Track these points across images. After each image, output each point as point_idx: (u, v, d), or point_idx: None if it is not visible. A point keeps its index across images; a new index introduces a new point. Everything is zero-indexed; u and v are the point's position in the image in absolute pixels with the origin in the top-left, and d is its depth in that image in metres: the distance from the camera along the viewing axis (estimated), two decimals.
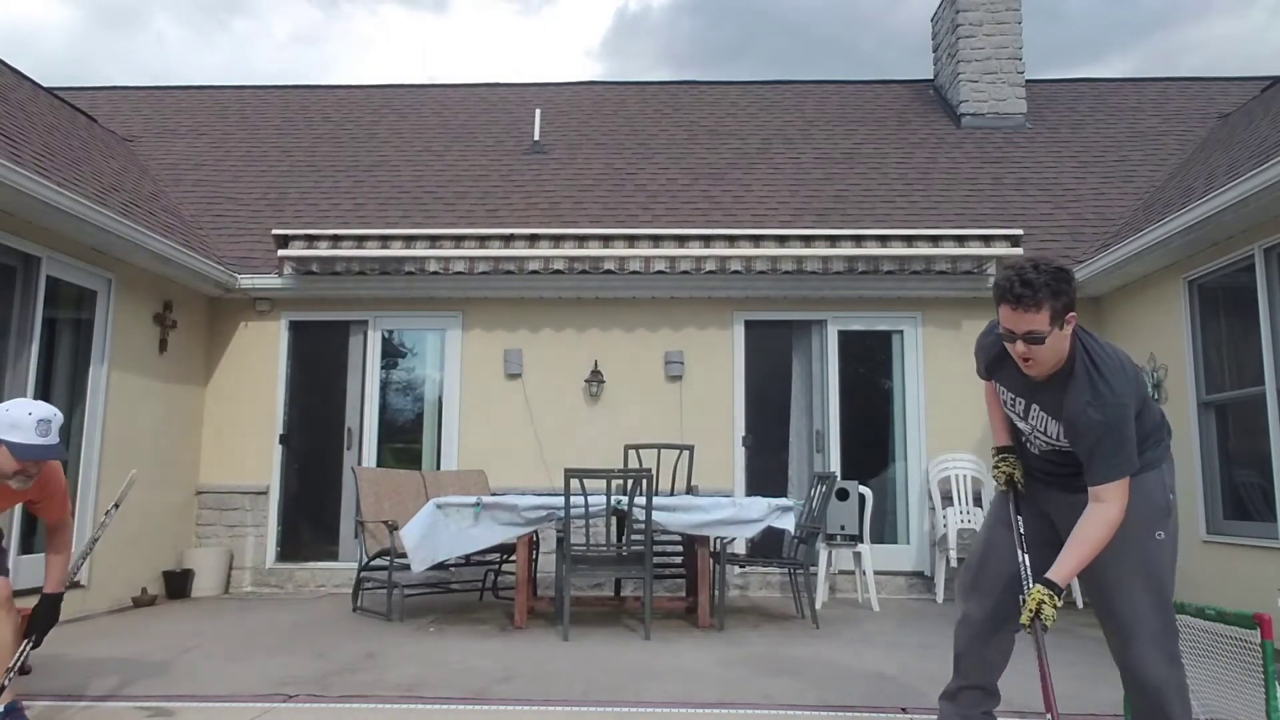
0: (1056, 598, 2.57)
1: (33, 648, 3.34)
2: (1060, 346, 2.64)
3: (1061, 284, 2.58)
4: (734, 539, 6.55)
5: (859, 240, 7.57)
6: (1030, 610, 2.57)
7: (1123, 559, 2.66)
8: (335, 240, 7.63)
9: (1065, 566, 2.59)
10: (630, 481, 5.65)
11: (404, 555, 5.80)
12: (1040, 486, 2.93)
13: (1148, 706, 2.73)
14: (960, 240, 7.54)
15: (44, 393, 6.14)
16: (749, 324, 8.07)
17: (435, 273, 7.60)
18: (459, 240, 7.65)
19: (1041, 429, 2.79)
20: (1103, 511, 2.57)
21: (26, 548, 5.90)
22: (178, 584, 7.31)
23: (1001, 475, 2.99)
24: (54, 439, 3.19)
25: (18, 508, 5.75)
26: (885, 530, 7.84)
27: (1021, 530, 2.86)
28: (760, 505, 5.96)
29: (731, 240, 7.62)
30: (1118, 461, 2.57)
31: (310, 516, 8.07)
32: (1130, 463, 2.58)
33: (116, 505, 3.72)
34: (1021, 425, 2.88)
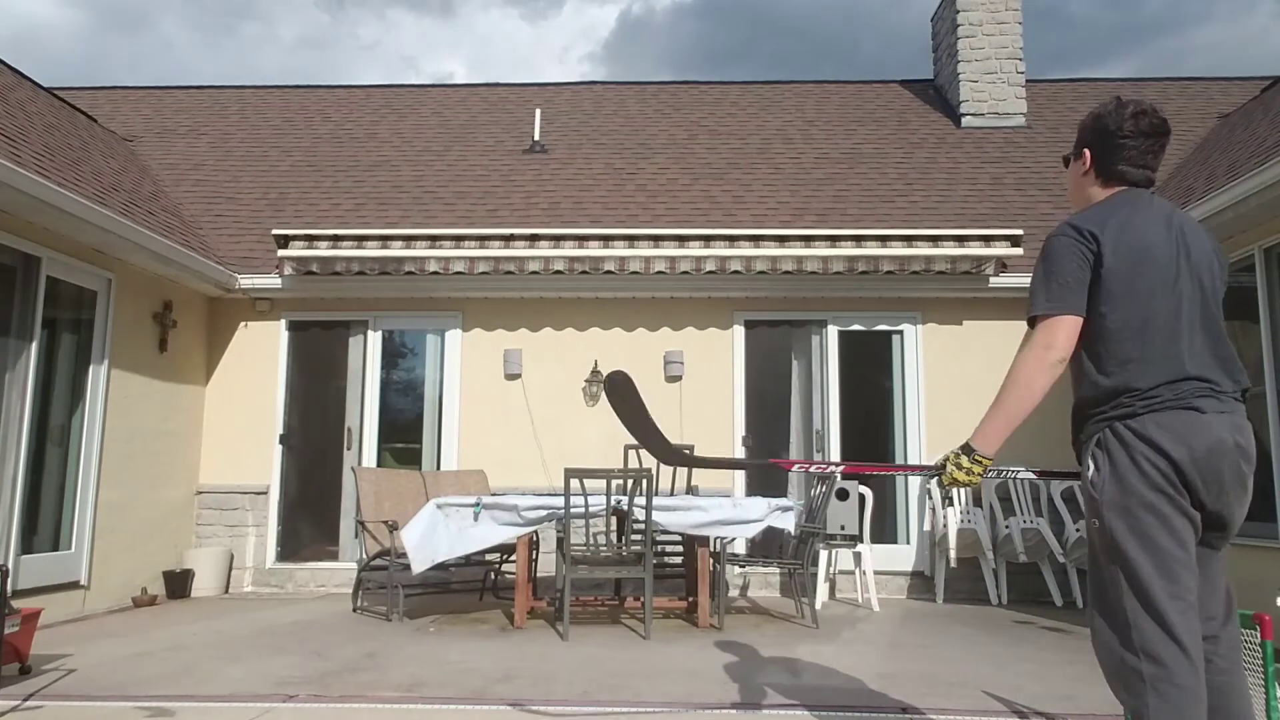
0: (964, 458, 2.37)
1: None
2: (1077, 186, 2.51)
3: (1081, 126, 2.50)
4: (734, 539, 6.55)
5: (859, 240, 7.57)
6: (937, 465, 2.45)
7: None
8: (335, 240, 7.63)
9: (983, 424, 2.40)
10: (630, 481, 5.64)
11: (404, 555, 5.80)
12: None
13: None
14: (960, 240, 7.54)
15: (44, 393, 6.15)
16: (749, 324, 8.07)
17: (435, 273, 7.59)
18: (459, 240, 7.65)
19: None
20: (1020, 350, 2.35)
21: (27, 547, 5.90)
22: (178, 584, 7.31)
23: None
24: None
25: (17, 508, 5.75)
26: (885, 530, 7.84)
27: None
28: (760, 505, 5.96)
29: (731, 240, 7.62)
30: (1032, 297, 2.34)
31: (310, 516, 8.07)
32: (1037, 302, 2.31)
33: None
34: None
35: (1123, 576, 2.18)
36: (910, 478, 7.85)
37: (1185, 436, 2.17)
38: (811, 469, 2.97)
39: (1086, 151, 2.46)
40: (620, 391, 2.89)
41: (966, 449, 2.39)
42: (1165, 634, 2.11)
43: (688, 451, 7.09)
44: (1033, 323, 2.33)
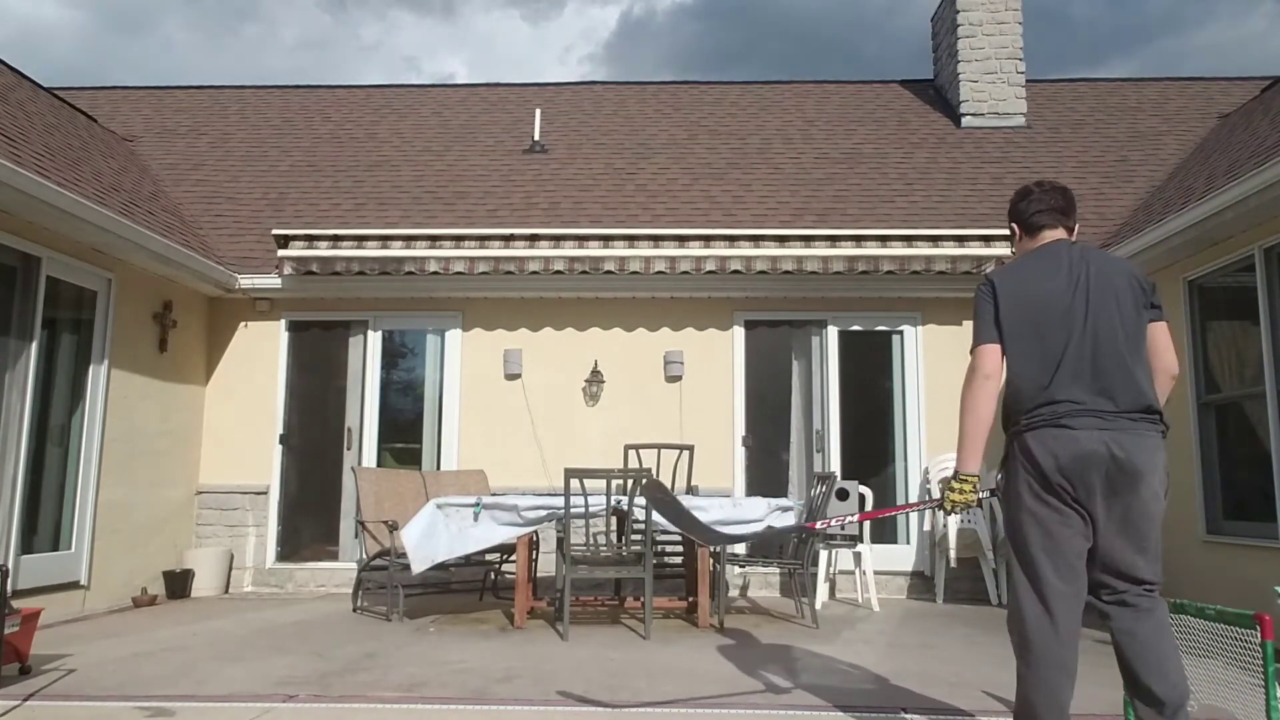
0: (953, 482, 2.87)
1: None
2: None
3: (1011, 204, 3.12)
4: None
5: (859, 240, 7.57)
6: (937, 498, 3.00)
7: None
8: (335, 240, 7.63)
9: (957, 451, 2.90)
10: (630, 481, 5.64)
11: (404, 555, 5.80)
12: None
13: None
14: (960, 240, 7.54)
15: (44, 393, 6.15)
16: (749, 324, 8.07)
17: (435, 273, 7.59)
18: (459, 240, 7.65)
19: None
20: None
21: (27, 547, 5.91)
22: (178, 584, 7.31)
23: None
24: None
25: (17, 508, 5.75)
26: (885, 530, 7.84)
27: None
28: (760, 505, 5.96)
29: (731, 240, 7.62)
30: (973, 336, 2.92)
31: (310, 516, 8.07)
32: (975, 335, 2.89)
33: None
34: None
35: (1017, 565, 2.80)
36: (910, 478, 7.85)
37: (1053, 448, 2.68)
38: (833, 524, 3.48)
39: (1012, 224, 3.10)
40: (655, 493, 3.55)
41: (954, 474, 2.88)
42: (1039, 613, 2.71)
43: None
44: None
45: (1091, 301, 2.75)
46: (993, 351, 2.81)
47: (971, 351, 2.87)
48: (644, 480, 3.46)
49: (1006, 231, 7.44)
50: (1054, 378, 2.70)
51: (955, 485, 2.85)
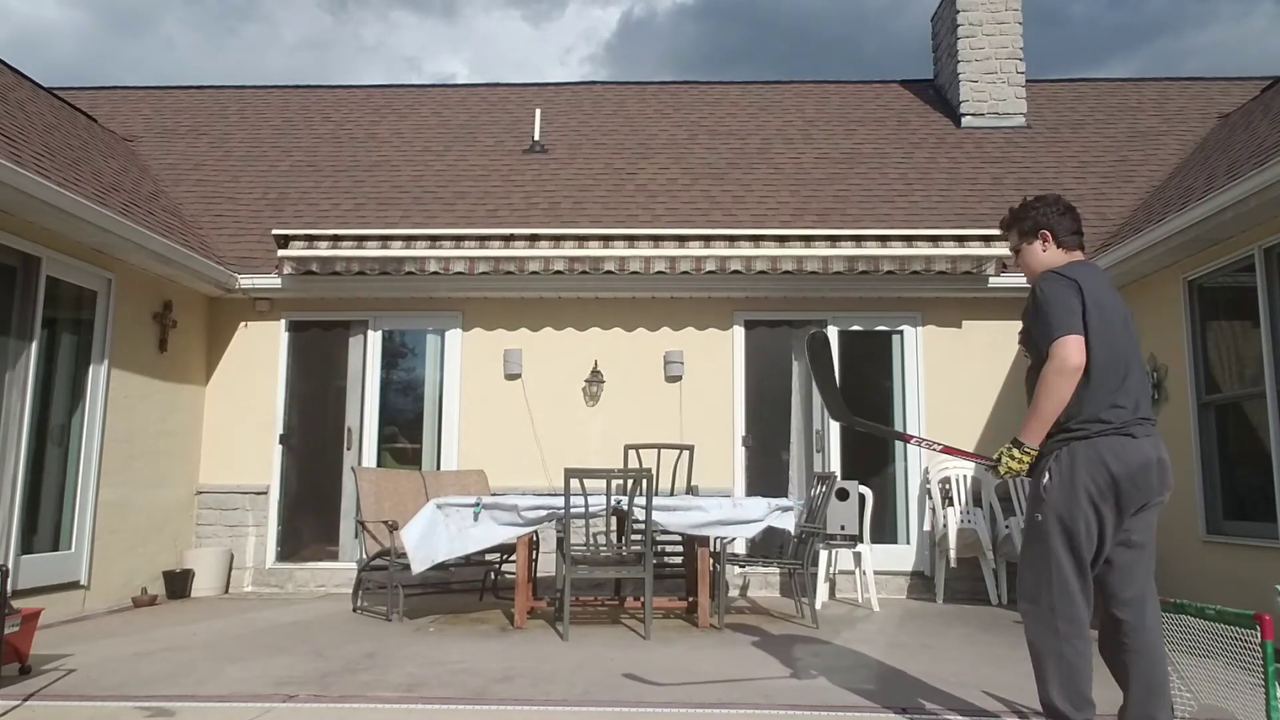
0: (1015, 450, 2.97)
1: None
2: (1034, 260, 3.24)
3: (1022, 211, 3.27)
4: (734, 539, 6.55)
5: (859, 240, 7.57)
6: (994, 458, 3.03)
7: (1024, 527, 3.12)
8: (335, 240, 7.63)
9: (1026, 422, 2.98)
10: (630, 481, 5.64)
11: (404, 555, 5.80)
12: None
13: (1032, 661, 3.00)
14: (960, 240, 7.54)
15: (44, 393, 6.15)
16: (749, 324, 8.07)
17: (435, 273, 7.59)
18: (459, 240, 7.65)
19: None
20: (1048, 362, 2.93)
21: (27, 547, 5.91)
22: (178, 584, 7.31)
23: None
24: None
25: (17, 508, 5.75)
26: (885, 530, 7.83)
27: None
28: (760, 505, 5.96)
29: (731, 240, 7.62)
30: (1044, 327, 2.96)
31: (310, 516, 8.07)
32: (1047, 332, 2.94)
33: None
34: None
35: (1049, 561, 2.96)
36: (910, 478, 7.85)
37: (1122, 456, 2.87)
38: (923, 446, 3.54)
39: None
40: (816, 349, 3.51)
41: (1017, 443, 2.97)
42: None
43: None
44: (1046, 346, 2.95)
45: (1129, 322, 3.07)
46: (1081, 344, 2.90)
47: (1055, 339, 2.90)
48: (813, 332, 3.46)
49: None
50: (1123, 385, 2.93)
51: (1017, 455, 2.95)
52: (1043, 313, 2.97)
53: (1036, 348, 3.02)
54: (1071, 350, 2.88)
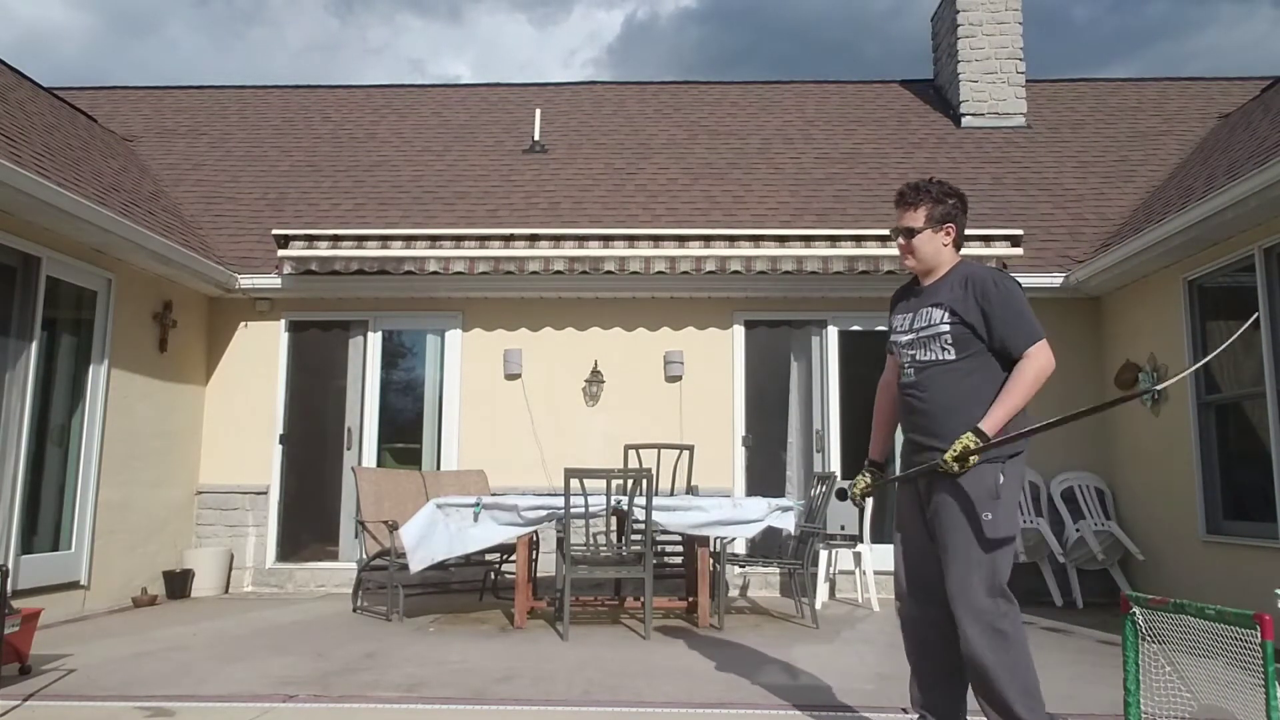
0: (977, 439, 2.82)
1: None
2: (937, 251, 3.05)
3: (944, 196, 3.04)
4: (734, 539, 6.55)
5: (859, 240, 7.57)
6: (954, 453, 2.81)
7: (954, 533, 2.90)
8: (335, 240, 7.63)
9: (995, 415, 2.84)
10: (630, 481, 5.64)
11: (404, 555, 5.80)
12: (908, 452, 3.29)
13: (981, 688, 2.84)
14: None
15: (44, 393, 6.15)
16: (749, 324, 8.07)
17: (435, 273, 7.59)
18: (459, 240, 7.65)
19: (925, 323, 3.03)
20: (1030, 361, 2.86)
21: (27, 547, 5.91)
22: (178, 584, 7.31)
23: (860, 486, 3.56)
24: None
25: (17, 508, 5.75)
26: (885, 530, 7.82)
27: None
28: (760, 505, 5.96)
29: (731, 240, 7.62)
30: (1028, 327, 2.88)
31: (310, 516, 8.07)
32: (1031, 331, 2.87)
33: None
34: (906, 339, 3.12)
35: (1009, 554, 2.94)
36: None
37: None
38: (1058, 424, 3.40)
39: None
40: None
41: (981, 435, 2.82)
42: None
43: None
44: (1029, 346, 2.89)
45: None
46: None
47: (1039, 340, 2.88)
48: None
49: (1006, 231, 7.52)
50: None
51: (975, 443, 2.82)
52: (1025, 312, 2.93)
53: (1004, 344, 2.90)
54: (1051, 355, 2.89)
